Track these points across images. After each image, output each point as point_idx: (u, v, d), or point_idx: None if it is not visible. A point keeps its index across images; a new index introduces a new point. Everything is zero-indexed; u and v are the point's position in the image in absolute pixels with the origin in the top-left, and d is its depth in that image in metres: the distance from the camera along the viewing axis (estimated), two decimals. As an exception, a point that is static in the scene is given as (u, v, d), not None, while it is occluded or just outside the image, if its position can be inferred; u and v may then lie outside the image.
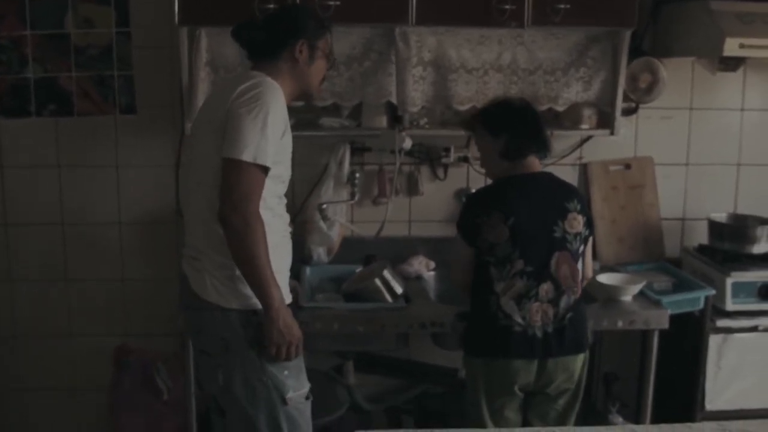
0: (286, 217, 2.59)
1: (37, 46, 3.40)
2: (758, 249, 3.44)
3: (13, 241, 3.57)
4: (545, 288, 2.69)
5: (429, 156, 3.58)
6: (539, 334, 2.69)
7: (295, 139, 2.58)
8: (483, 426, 2.74)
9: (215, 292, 2.44)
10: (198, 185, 2.48)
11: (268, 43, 2.55)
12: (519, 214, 2.69)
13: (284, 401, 2.47)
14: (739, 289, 3.30)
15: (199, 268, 2.48)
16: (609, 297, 3.16)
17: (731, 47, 3.04)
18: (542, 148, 2.84)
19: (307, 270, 3.38)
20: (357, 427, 2.26)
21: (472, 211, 2.77)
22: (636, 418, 3.30)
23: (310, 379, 2.58)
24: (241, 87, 2.40)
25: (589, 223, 2.82)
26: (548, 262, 2.70)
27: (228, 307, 2.43)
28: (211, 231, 2.41)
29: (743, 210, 3.72)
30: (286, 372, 2.47)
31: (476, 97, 3.38)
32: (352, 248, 3.52)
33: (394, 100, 3.32)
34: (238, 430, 2.52)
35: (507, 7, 3.09)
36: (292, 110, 3.22)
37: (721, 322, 3.31)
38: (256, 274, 2.35)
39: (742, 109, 3.71)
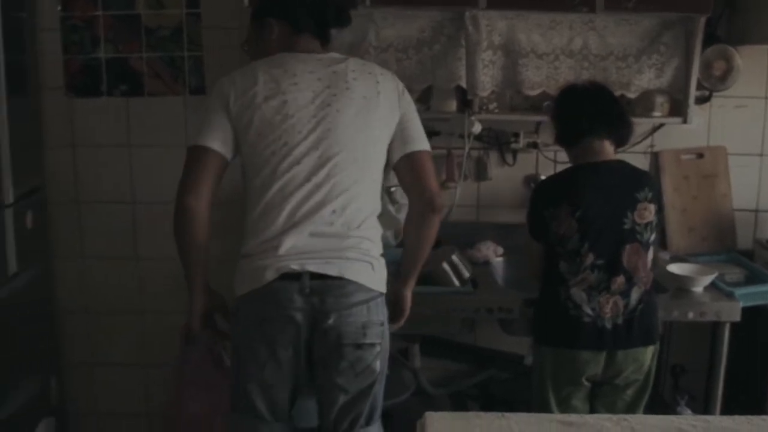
0: None
1: (109, 26, 3.45)
2: (833, 242, 3.36)
3: (84, 219, 3.63)
4: (618, 281, 2.66)
5: (498, 141, 3.56)
6: (609, 325, 2.67)
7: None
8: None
9: (380, 280, 2.42)
10: (357, 170, 2.38)
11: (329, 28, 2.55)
12: (587, 205, 2.65)
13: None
14: (813, 282, 3.23)
15: (363, 258, 2.38)
16: (680, 287, 3.11)
17: (811, 35, 2.96)
18: (599, 128, 2.76)
19: (375, 253, 3.37)
20: (422, 410, 2.24)
21: (540, 202, 2.74)
22: (705, 411, 3.24)
23: None
24: (392, 78, 2.46)
25: (660, 210, 2.77)
26: (619, 254, 2.66)
27: (384, 291, 2.45)
28: (375, 219, 2.45)
29: (818, 202, 3.63)
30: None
31: (546, 82, 3.33)
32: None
33: (463, 84, 3.29)
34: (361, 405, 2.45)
35: (579, -9, 3.06)
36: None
37: (794, 316, 3.25)
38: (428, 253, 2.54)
39: (819, 99, 3.61)
